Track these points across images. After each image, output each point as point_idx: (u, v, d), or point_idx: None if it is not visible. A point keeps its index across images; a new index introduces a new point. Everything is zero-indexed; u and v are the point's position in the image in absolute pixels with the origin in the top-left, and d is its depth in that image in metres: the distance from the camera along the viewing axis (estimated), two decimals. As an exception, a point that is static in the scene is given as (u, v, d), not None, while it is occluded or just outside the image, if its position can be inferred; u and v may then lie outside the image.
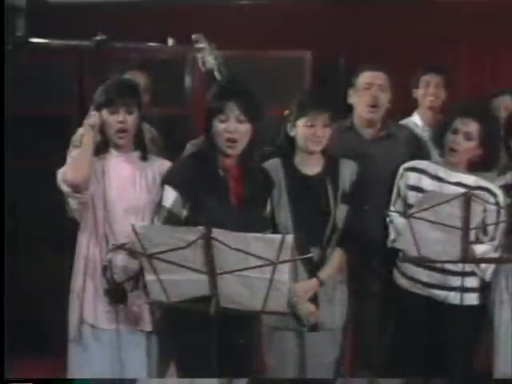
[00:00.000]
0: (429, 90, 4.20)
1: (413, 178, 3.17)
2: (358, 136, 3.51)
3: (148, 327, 2.93)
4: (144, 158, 3.00)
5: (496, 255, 3.04)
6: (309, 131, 2.98)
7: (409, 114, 4.23)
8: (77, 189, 2.84)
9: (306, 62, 4.85)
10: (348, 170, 3.05)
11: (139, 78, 3.62)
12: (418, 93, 4.24)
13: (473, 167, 3.15)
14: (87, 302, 2.89)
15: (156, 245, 2.31)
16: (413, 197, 3.10)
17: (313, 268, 2.99)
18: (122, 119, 2.89)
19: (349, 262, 3.09)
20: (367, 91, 3.47)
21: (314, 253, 2.96)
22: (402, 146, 3.47)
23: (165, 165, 2.99)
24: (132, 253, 2.69)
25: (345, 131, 3.48)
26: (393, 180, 3.24)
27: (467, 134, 3.08)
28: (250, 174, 2.86)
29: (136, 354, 2.93)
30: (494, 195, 3.08)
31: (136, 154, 2.99)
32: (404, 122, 4.11)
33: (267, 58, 4.82)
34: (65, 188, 2.87)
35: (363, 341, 3.51)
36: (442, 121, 3.33)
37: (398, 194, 3.20)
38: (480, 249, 2.94)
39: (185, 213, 2.76)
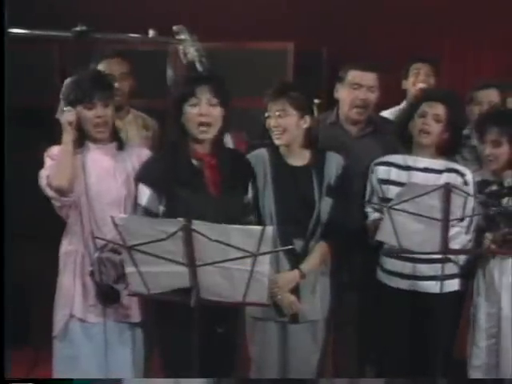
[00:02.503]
0: (419, 77, 4.19)
1: (382, 172, 3.19)
2: (343, 132, 3.47)
3: (137, 318, 2.92)
4: (121, 147, 2.97)
5: (467, 237, 3.06)
6: (268, 122, 2.99)
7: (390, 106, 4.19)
8: (63, 193, 2.81)
9: (288, 53, 4.84)
10: (334, 163, 3.04)
11: (117, 67, 3.57)
12: (408, 82, 4.23)
13: (441, 152, 3.18)
14: (77, 298, 2.87)
15: (136, 237, 2.30)
16: (384, 190, 3.13)
17: (295, 259, 2.99)
18: (100, 114, 2.87)
19: (332, 254, 3.09)
20: (355, 91, 3.40)
21: (297, 244, 2.97)
22: (388, 142, 3.42)
23: (143, 153, 2.98)
24: (115, 250, 2.69)
25: (330, 126, 3.45)
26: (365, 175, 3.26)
27: (436, 116, 3.12)
28: (225, 160, 2.86)
29: (123, 349, 2.92)
30: (462, 175, 3.13)
31: (113, 145, 2.97)
32: (392, 110, 4.09)
33: (250, 50, 4.81)
34: (50, 193, 2.83)
35: (344, 333, 3.51)
36: (406, 108, 3.35)
37: (372, 190, 3.22)
38: (450, 232, 2.92)
39: (162, 209, 2.76)
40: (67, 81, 2.96)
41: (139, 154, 2.96)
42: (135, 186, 2.84)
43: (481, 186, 3.19)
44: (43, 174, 2.87)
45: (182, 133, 2.82)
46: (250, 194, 2.96)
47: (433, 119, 3.12)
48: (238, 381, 3.11)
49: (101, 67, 3.49)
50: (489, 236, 3.05)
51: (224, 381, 2.92)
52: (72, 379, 2.86)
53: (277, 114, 2.95)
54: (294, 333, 3.02)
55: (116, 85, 3.39)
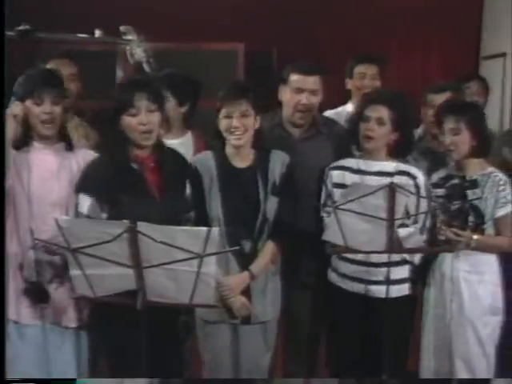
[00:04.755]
0: (364, 82, 4.03)
1: (337, 176, 3.19)
2: (286, 134, 3.43)
3: (73, 323, 2.89)
4: (69, 148, 2.94)
5: (422, 238, 3.06)
6: (227, 123, 2.94)
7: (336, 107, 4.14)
8: None
9: (238, 54, 4.85)
10: (279, 162, 3.02)
11: (65, 67, 3.51)
12: (353, 83, 4.07)
13: (393, 154, 3.18)
14: (10, 299, 2.81)
15: (80, 239, 2.27)
16: (337, 194, 3.11)
17: (245, 261, 2.98)
18: (48, 110, 2.83)
19: (282, 253, 3.08)
20: (298, 96, 3.33)
21: (245, 245, 2.96)
22: (331, 143, 3.42)
23: (90, 155, 2.94)
24: (50, 250, 2.65)
25: (274, 128, 3.40)
26: (320, 180, 3.25)
27: (378, 119, 3.11)
28: (165, 160, 2.85)
29: (63, 351, 2.88)
30: (413, 177, 3.12)
31: (60, 146, 2.94)
32: (338, 110, 4.06)
33: (200, 51, 4.81)
34: None
35: (295, 333, 3.52)
36: (354, 114, 3.36)
37: (327, 195, 3.21)
38: (403, 232, 2.95)
39: (105, 216, 2.72)
40: (20, 77, 2.90)
41: (86, 157, 2.92)
42: (76, 195, 2.79)
43: (444, 179, 3.21)
44: None
45: (121, 138, 2.78)
46: (189, 191, 2.95)
47: (376, 123, 3.12)
48: (184, 381, 3.09)
49: (48, 67, 3.44)
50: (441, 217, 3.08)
51: (170, 381, 2.90)
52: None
53: (239, 114, 2.92)
54: (245, 334, 3.01)
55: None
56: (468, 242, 3.05)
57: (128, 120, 2.75)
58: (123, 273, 2.30)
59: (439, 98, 3.56)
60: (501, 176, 3.13)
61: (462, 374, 3.12)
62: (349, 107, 4.10)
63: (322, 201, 3.23)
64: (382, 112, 3.11)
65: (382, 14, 5.38)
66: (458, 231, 3.05)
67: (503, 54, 5.32)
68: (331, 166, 3.23)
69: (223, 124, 2.94)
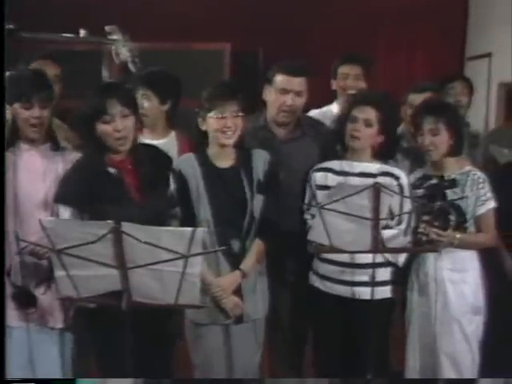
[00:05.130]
0: (347, 82, 4.00)
1: (320, 178, 3.19)
2: (271, 135, 3.41)
3: (59, 324, 2.89)
4: (55, 148, 2.93)
5: (406, 239, 3.07)
6: (219, 123, 2.91)
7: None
8: None
9: (225, 54, 4.85)
10: (261, 160, 3.03)
11: (49, 68, 3.49)
12: (337, 84, 4.05)
13: (377, 155, 3.19)
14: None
15: (65, 240, 2.26)
16: (320, 195, 3.11)
17: (234, 260, 2.97)
18: (37, 115, 2.81)
19: (267, 251, 3.08)
20: (282, 97, 3.32)
21: (235, 244, 2.96)
22: (317, 145, 3.41)
23: (76, 156, 2.91)
24: (36, 253, 2.64)
25: (259, 129, 3.38)
26: (305, 181, 3.25)
27: (366, 120, 3.11)
28: (142, 159, 2.82)
29: (49, 352, 2.88)
30: (397, 178, 3.13)
31: (47, 146, 2.92)
32: (322, 110, 4.05)
33: (186, 50, 4.81)
34: None
35: (278, 333, 3.52)
36: (341, 114, 3.36)
37: (311, 196, 3.22)
38: (387, 233, 2.97)
39: None
40: (6, 76, 2.88)
41: (73, 158, 2.90)
42: (55, 206, 2.77)
43: (422, 180, 3.23)
44: None
45: (96, 144, 2.76)
46: (172, 186, 2.93)
47: (363, 124, 3.12)
48: (174, 381, 3.09)
49: (36, 69, 3.42)
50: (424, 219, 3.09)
51: (160, 381, 2.91)
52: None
53: (231, 114, 2.91)
54: (237, 334, 3.01)
55: None
56: (451, 240, 3.07)
57: (103, 127, 2.72)
58: (108, 273, 2.30)
59: (419, 98, 3.54)
60: (479, 174, 3.15)
61: (448, 371, 3.13)
62: (334, 107, 4.09)
63: (306, 201, 3.23)
64: (370, 113, 3.12)
65: (368, 13, 5.41)
66: (440, 231, 3.06)
67: (488, 54, 5.36)
68: (315, 167, 3.24)
69: (214, 124, 2.92)
